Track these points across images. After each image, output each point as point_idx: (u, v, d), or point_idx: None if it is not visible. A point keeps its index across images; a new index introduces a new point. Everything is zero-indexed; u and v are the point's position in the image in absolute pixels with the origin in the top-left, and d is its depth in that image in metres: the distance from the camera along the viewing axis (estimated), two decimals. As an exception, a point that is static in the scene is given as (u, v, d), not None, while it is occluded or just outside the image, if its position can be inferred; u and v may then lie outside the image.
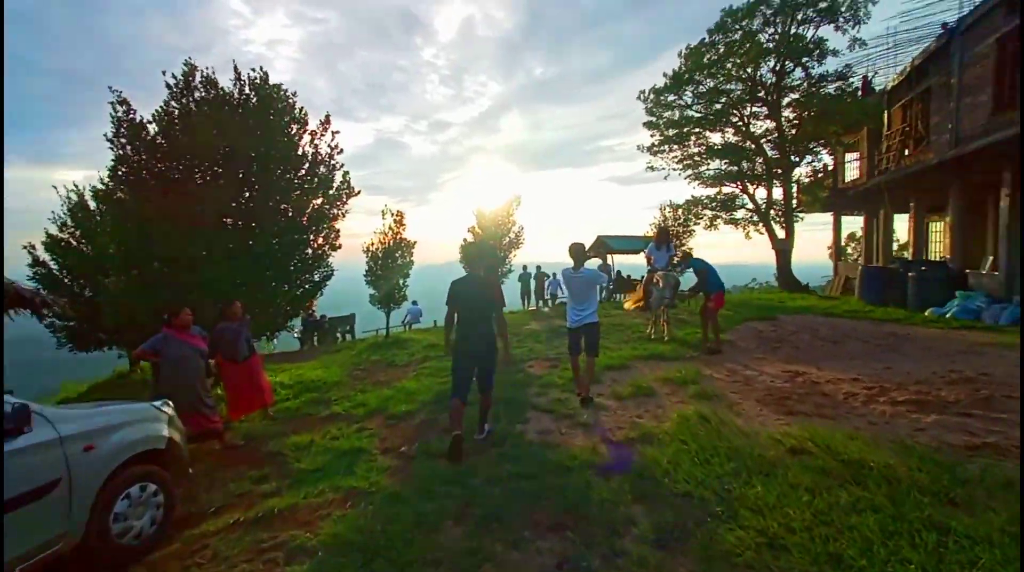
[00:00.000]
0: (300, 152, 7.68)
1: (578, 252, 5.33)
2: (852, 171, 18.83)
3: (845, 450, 3.21)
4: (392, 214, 11.57)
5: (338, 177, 7.98)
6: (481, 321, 4.31)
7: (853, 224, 24.41)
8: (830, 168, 18.48)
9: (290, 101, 7.47)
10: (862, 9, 14.56)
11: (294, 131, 7.55)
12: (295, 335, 13.64)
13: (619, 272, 18.34)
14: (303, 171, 7.68)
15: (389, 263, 11.40)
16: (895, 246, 24.38)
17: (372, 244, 11.49)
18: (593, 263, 17.09)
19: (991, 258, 10.28)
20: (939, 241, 18.68)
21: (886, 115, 15.42)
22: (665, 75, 18.16)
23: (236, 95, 7.04)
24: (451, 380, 4.41)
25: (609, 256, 20.07)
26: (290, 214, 7.63)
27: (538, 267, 19.56)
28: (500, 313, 4.44)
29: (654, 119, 19.12)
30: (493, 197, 14.44)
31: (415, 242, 11.69)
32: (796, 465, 3.16)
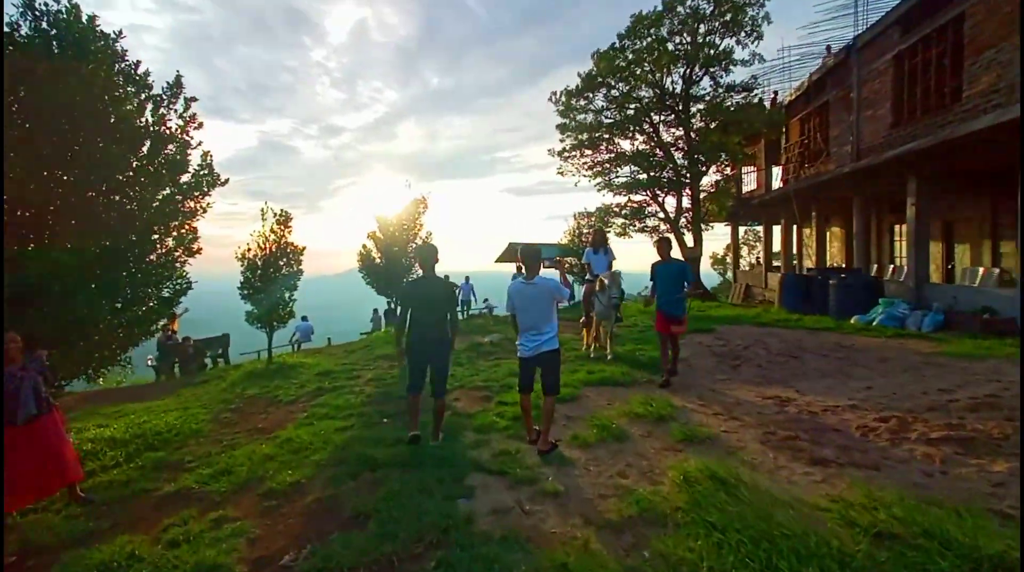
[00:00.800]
0: (139, 123, 5.58)
1: (533, 257, 4.12)
2: (749, 183, 19.87)
3: (948, 531, 2.28)
4: (275, 214, 9.52)
5: (195, 159, 5.95)
6: (437, 321, 4.33)
7: (726, 236, 25.96)
8: (732, 178, 19.29)
9: (118, 49, 5.37)
10: (761, 26, 15.24)
11: (126, 94, 5.45)
12: (148, 363, 10.83)
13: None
14: (143, 150, 5.57)
15: (271, 273, 9.32)
16: (761, 255, 26.41)
17: (248, 250, 9.33)
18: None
19: (892, 266, 10.86)
20: (831, 250, 20.40)
21: (783, 128, 16.29)
22: (579, 75, 17.78)
23: (27, 31, 4.84)
24: (407, 376, 4.48)
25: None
26: (127, 207, 5.51)
27: (446, 277, 18.18)
28: (455, 313, 4.51)
29: (566, 122, 18.67)
30: (393, 203, 12.65)
31: (303, 248, 9.72)
32: (895, 563, 2.16)
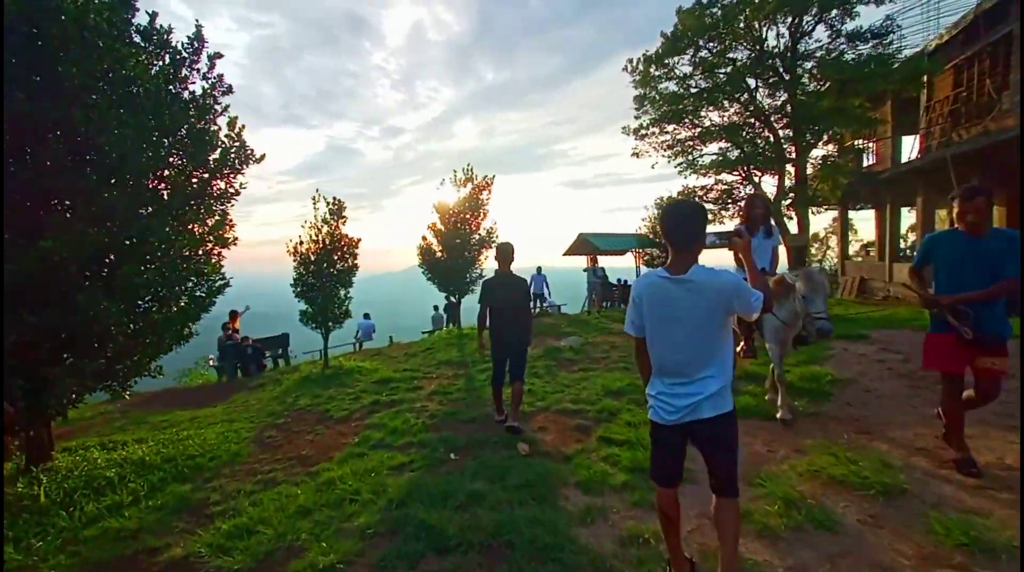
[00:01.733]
0: (160, 89, 4.60)
1: (685, 218, 2.65)
2: (866, 157, 17.07)
3: None
4: (328, 203, 8.55)
5: (223, 128, 4.91)
6: (515, 316, 4.58)
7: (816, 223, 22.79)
8: (850, 149, 16.51)
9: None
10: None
11: (142, 55, 4.47)
12: (211, 363, 10.34)
13: (605, 276, 15.83)
14: (164, 118, 4.58)
15: (325, 269, 8.37)
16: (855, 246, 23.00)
17: (300, 244, 8.42)
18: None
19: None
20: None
21: (925, 83, 13.51)
22: (663, 35, 15.78)
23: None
24: (492, 370, 4.89)
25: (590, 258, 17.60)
26: (154, 186, 4.56)
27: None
28: (530, 309, 4.89)
29: (644, 92, 16.73)
30: (454, 191, 11.35)
31: (359, 241, 8.70)
32: None
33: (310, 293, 8.35)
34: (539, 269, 15.43)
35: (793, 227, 16.74)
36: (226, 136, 4.89)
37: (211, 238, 4.99)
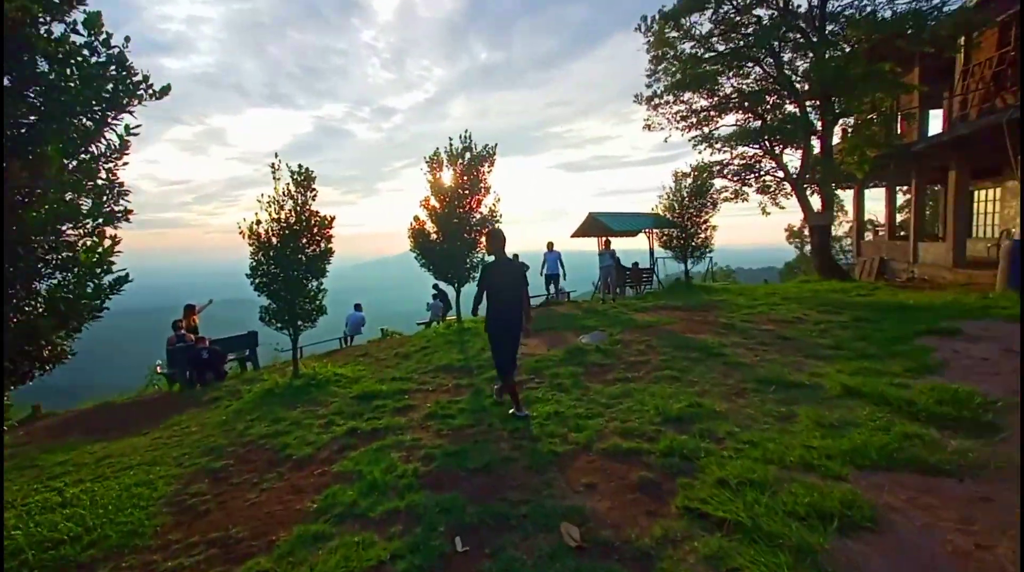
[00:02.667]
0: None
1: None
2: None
3: None
4: (292, 172, 6.87)
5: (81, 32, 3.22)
6: (513, 299, 4.64)
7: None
8: (881, 118, 14.90)
9: None
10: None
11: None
12: (159, 370, 8.72)
13: (618, 260, 14.24)
14: None
15: (290, 255, 6.72)
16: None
17: (257, 224, 6.76)
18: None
19: None
20: (987, 212, 15.72)
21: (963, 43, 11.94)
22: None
23: None
24: (494, 358, 4.83)
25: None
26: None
27: (515, 256, 15.24)
28: (527, 293, 4.79)
29: (659, 54, 14.97)
30: (449, 166, 9.50)
31: (332, 219, 7.05)
32: None
33: (272, 285, 6.71)
34: (551, 246, 13.61)
35: (816, 204, 15.22)
36: (101, 62, 3.19)
37: (93, 211, 3.34)
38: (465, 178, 10.15)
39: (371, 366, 7.77)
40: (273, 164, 6.72)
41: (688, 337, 7.07)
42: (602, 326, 8.55)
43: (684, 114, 16.46)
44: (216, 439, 5.10)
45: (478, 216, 10.33)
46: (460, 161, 10.19)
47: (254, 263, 6.67)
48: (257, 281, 6.72)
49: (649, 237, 16.15)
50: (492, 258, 4.78)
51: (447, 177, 10.24)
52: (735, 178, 16.51)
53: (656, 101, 16.07)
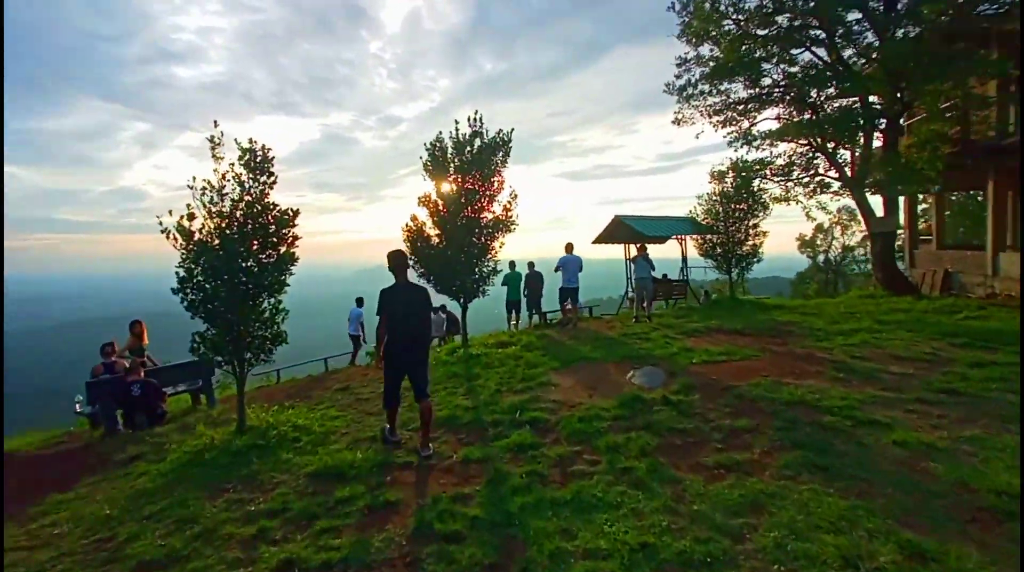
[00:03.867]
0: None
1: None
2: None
3: None
4: (241, 149, 4.97)
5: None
6: (413, 325, 4.40)
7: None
8: (962, 107, 12.88)
9: None
10: None
11: None
12: (77, 409, 6.74)
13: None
14: None
15: (239, 263, 4.80)
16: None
17: (190, 219, 4.83)
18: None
19: None
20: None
21: None
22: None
23: None
24: (385, 383, 4.54)
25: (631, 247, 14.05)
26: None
27: (531, 265, 13.30)
28: (429, 320, 4.61)
29: (700, 32, 13.07)
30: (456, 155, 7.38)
31: (296, 213, 5.12)
32: None
33: (208, 304, 4.79)
34: (570, 248, 10.64)
35: (878, 208, 13.24)
36: None
37: None
38: (475, 171, 8.24)
39: (348, 411, 5.82)
40: (212, 137, 4.82)
41: (793, 387, 5.04)
42: (652, 356, 6.60)
43: (719, 107, 14.56)
44: (73, 561, 3.14)
45: (490, 216, 8.41)
46: (468, 149, 8.29)
47: (184, 274, 4.75)
48: (189, 298, 4.79)
49: (681, 244, 14.24)
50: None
51: (452, 169, 8.33)
52: (780, 179, 14.55)
53: (689, 91, 14.18)
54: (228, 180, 4.85)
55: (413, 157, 8.78)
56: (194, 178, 4.71)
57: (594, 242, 13.75)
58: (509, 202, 8.50)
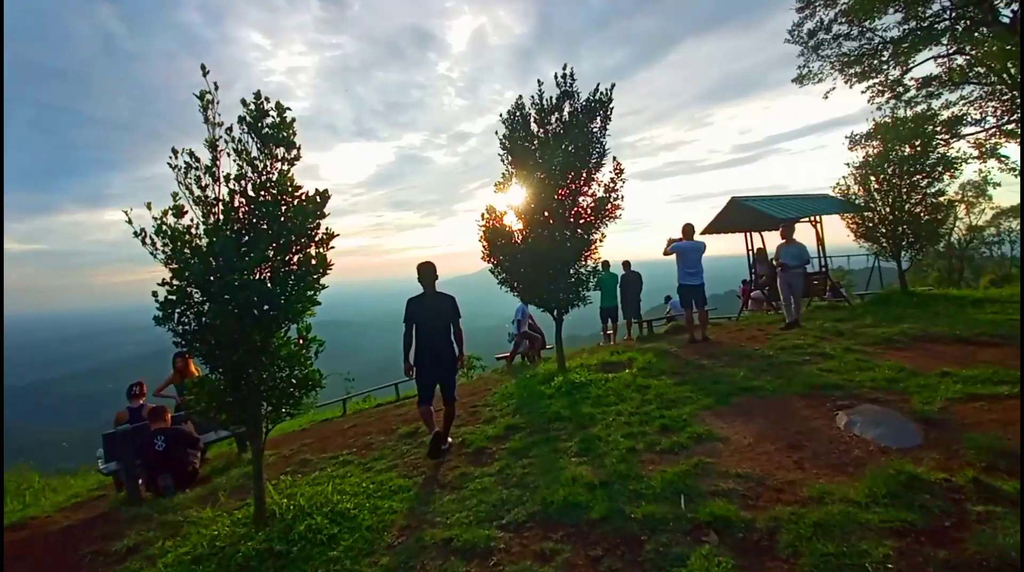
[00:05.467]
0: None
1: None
2: None
3: None
4: (247, 108, 3.39)
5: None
6: (441, 333, 4.49)
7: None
8: None
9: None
10: None
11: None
12: (100, 466, 5.57)
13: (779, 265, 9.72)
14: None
15: (243, 272, 3.20)
16: None
17: (178, 215, 3.29)
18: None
19: None
20: None
21: None
22: None
23: None
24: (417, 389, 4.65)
25: (757, 236, 11.48)
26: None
27: (626, 264, 11.21)
28: (458, 325, 4.56)
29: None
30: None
31: (326, 195, 3.45)
32: None
33: (206, 337, 3.23)
34: (689, 231, 7.60)
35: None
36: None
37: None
38: (567, 143, 6.33)
39: (414, 476, 4.09)
40: (203, 93, 3.28)
41: None
42: (857, 386, 4.29)
43: (858, 55, 11.59)
44: None
45: (590, 199, 6.45)
46: (557, 116, 6.41)
47: (172, 293, 3.22)
48: (180, 329, 3.27)
49: (816, 228, 11.40)
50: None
51: (536, 143, 6.47)
52: (951, 137, 11.30)
53: (820, 36, 11.38)
54: (225, 152, 3.29)
55: (482, 170, 7.28)
56: (174, 151, 3.18)
57: (705, 232, 11.30)
58: (613, 180, 6.50)
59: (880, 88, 11.96)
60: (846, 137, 11.44)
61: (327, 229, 3.58)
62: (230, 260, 3.16)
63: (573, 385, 5.75)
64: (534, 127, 6.48)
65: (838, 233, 11.50)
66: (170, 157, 3.19)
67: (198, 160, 3.20)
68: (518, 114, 6.51)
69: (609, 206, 6.43)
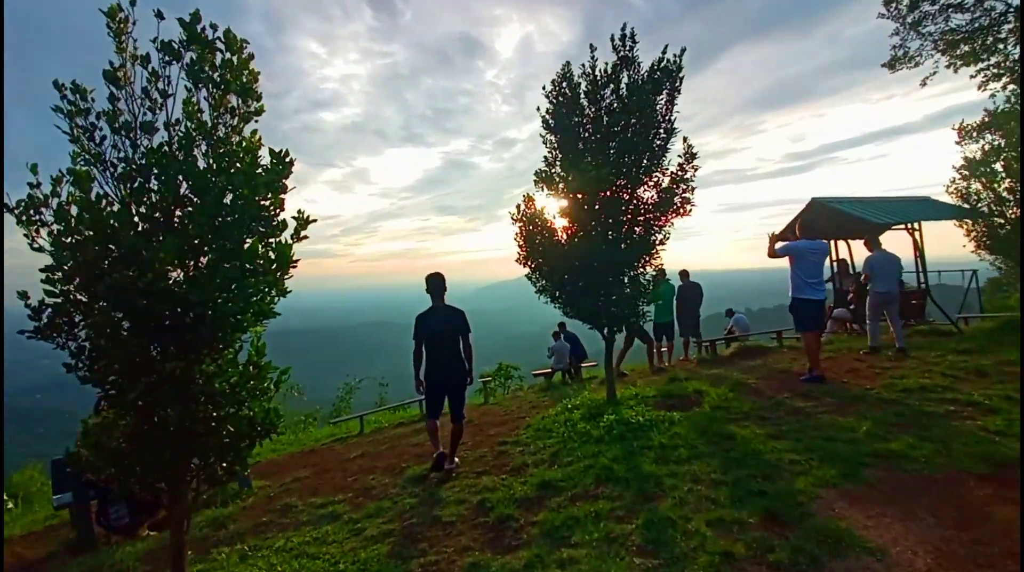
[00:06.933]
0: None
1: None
2: None
3: None
4: (182, 24, 2.35)
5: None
6: (450, 349, 4.36)
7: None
8: None
9: None
10: None
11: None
12: (55, 503, 4.68)
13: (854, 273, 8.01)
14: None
15: (157, 271, 2.15)
16: None
17: (81, 178, 2.28)
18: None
19: None
20: None
21: None
22: None
23: None
24: (425, 405, 4.74)
25: (840, 245, 9.84)
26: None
27: (684, 274, 9.81)
28: (468, 341, 4.43)
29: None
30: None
31: (289, 159, 2.38)
32: None
33: (100, 371, 2.19)
34: (810, 227, 6.00)
35: None
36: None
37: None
38: (625, 120, 5.08)
39: (409, 556, 2.93)
40: (114, 9, 2.27)
41: None
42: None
43: (968, 30, 9.78)
44: None
45: (652, 191, 5.17)
46: (612, 88, 5.17)
47: (52, 293, 2.21)
48: (71, 346, 2.25)
49: (914, 236, 9.61)
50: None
51: (588, 121, 5.26)
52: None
53: (925, 8, 9.65)
54: (139, 87, 2.27)
55: (526, 177, 5.94)
56: (58, 84, 2.16)
57: (779, 235, 9.72)
58: (682, 167, 5.20)
59: (996, 71, 10.09)
60: (953, 128, 9.60)
61: (301, 213, 2.52)
62: (136, 253, 2.11)
63: (628, 426, 4.48)
64: (584, 102, 5.27)
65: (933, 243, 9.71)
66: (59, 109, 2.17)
67: (90, 99, 2.17)
68: (564, 86, 5.32)
69: (678, 200, 5.12)
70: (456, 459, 4.45)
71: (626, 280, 5.34)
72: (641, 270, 5.39)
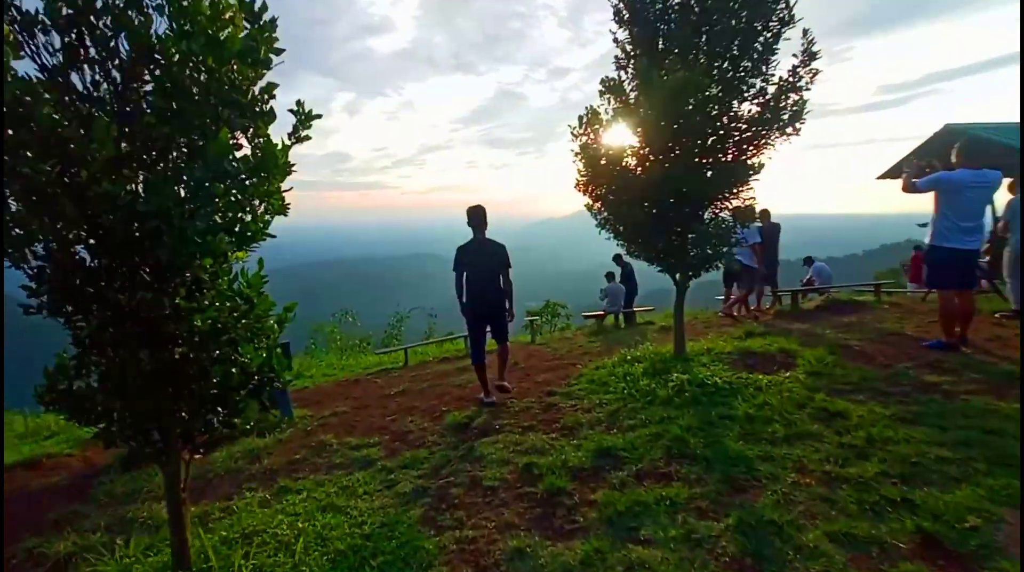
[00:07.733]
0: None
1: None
2: None
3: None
4: None
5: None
6: (489, 280, 4.36)
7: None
8: None
9: None
10: None
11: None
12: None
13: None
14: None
15: (89, 139, 1.60)
16: None
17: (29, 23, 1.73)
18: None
19: None
20: None
21: None
22: None
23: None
24: (471, 344, 4.60)
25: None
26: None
27: (763, 214, 8.57)
28: (508, 276, 4.39)
29: None
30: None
31: (268, 17, 1.68)
32: None
33: (65, 290, 1.70)
34: (970, 145, 4.59)
35: None
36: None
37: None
38: (722, 16, 3.96)
39: (435, 544, 2.47)
40: None
41: None
42: None
43: None
44: None
45: (752, 104, 4.12)
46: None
47: None
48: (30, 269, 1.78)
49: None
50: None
51: (671, 19, 4.16)
52: None
53: None
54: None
55: (580, 109, 4.79)
56: None
57: (886, 175, 8.21)
58: (795, 70, 4.07)
59: None
60: None
61: (300, 104, 1.87)
62: (50, 131, 1.53)
63: (702, 388, 3.78)
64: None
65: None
66: None
67: None
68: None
69: (787, 113, 4.05)
70: (506, 383, 4.43)
71: (707, 217, 4.43)
72: (727, 205, 4.44)
